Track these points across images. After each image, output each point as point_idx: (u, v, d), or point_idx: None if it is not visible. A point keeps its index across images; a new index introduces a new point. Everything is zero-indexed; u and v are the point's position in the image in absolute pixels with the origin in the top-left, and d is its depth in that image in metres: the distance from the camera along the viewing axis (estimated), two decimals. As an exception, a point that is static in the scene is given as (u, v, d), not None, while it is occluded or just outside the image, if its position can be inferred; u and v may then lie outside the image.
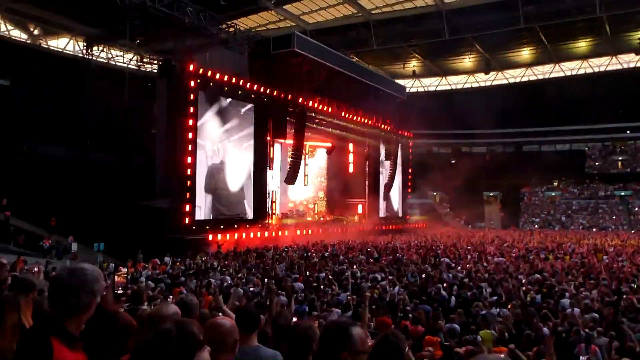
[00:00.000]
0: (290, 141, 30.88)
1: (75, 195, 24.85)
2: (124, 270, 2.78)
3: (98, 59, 31.21)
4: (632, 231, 45.71)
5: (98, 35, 30.99)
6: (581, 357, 7.26)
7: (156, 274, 14.27)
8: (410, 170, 46.37)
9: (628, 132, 56.53)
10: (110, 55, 31.80)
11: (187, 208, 23.82)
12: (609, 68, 53.58)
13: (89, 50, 30.80)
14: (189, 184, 23.87)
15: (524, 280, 13.44)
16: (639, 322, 8.71)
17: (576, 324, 8.30)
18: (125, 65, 30.95)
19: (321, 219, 37.26)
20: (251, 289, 11.22)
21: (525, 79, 57.78)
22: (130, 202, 24.76)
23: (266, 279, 12.62)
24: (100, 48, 31.26)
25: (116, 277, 2.68)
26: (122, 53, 32.29)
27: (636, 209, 52.53)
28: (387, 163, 41.71)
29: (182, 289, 11.14)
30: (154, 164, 26.32)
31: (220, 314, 5.19)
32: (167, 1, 23.84)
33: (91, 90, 30.00)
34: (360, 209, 41.16)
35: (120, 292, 2.64)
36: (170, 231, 23.27)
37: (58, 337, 2.03)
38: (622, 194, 54.92)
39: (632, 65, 52.66)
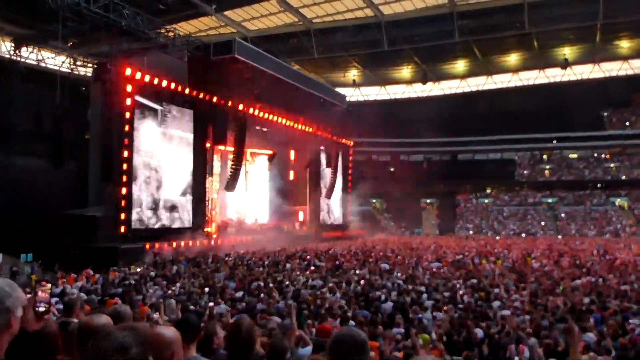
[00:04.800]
0: (230, 148, 30.55)
1: (0, 203, 23.51)
2: (48, 285, 2.51)
3: (27, 61, 29.72)
4: (559, 236, 48.25)
5: (27, 36, 29.49)
6: (515, 357, 7.57)
7: (89, 286, 13.75)
8: (350, 178, 46.92)
9: (554, 141, 59.75)
10: (40, 57, 30.31)
11: (123, 216, 23.06)
12: (537, 81, 56.53)
13: (17, 51, 29.25)
14: (124, 191, 23.12)
15: (459, 285, 13.90)
16: (564, 322, 9.19)
17: (507, 326, 8.66)
18: (58, 68, 29.58)
19: (262, 226, 37.02)
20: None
21: (460, 90, 59.89)
22: (62, 210, 23.67)
23: (206, 288, 12.45)
24: (30, 49, 29.77)
25: (39, 292, 2.37)
26: (53, 55, 30.85)
27: (562, 215, 55.52)
28: (328, 170, 42.07)
29: (117, 300, 10.76)
30: (88, 170, 25.29)
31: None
32: (102, 3, 23.06)
33: (19, 93, 28.42)
34: (301, 216, 41.25)
35: (42, 309, 2.34)
36: (104, 240, 22.44)
37: None
38: (549, 200, 57.99)
39: (558, 79, 55.84)
